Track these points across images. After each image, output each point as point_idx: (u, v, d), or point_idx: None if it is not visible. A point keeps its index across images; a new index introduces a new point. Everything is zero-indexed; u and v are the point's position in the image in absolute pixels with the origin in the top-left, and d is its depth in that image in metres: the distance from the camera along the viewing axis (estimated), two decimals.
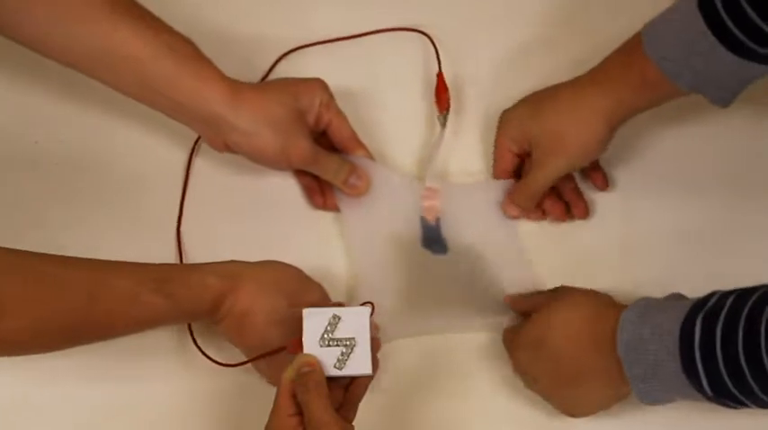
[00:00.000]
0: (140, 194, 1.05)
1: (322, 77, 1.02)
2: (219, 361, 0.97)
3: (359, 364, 0.88)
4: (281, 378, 0.86)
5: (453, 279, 1.03)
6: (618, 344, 0.88)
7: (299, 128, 0.99)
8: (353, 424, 0.87)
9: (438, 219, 1.05)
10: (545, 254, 1.05)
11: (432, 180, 1.05)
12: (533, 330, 0.96)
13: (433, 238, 1.04)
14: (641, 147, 1.08)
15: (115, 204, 1.04)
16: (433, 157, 1.05)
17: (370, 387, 0.90)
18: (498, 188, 1.06)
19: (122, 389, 0.99)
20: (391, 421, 0.99)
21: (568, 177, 1.05)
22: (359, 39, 1.11)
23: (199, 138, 1.06)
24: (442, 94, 1.08)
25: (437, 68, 1.09)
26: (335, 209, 1.05)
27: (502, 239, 1.05)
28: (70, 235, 1.02)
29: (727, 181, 1.08)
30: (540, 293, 1.01)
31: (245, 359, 0.94)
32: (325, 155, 1.01)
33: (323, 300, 0.96)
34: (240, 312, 0.92)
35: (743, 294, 0.83)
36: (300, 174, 1.05)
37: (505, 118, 1.05)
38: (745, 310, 0.81)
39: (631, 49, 0.97)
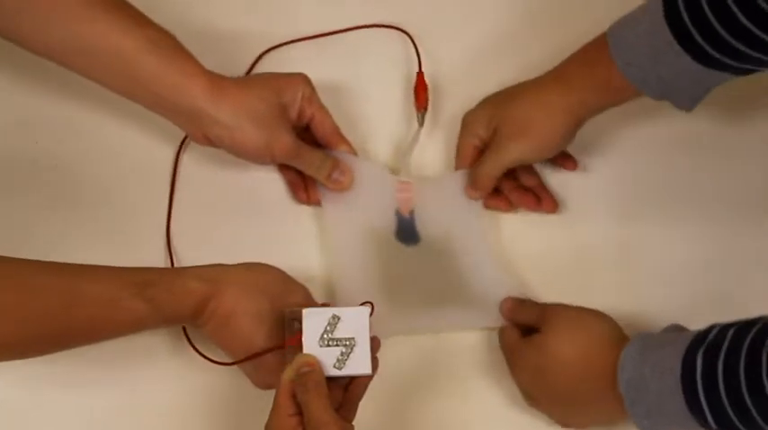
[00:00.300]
0: (131, 193, 1.05)
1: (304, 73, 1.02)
2: (216, 359, 0.96)
3: (358, 364, 0.88)
4: (281, 378, 0.86)
5: (426, 272, 1.04)
6: (619, 383, 0.89)
7: (282, 122, 0.99)
8: (353, 423, 0.87)
9: (412, 212, 1.05)
10: (539, 255, 1.06)
11: (406, 174, 1.06)
12: (533, 356, 0.96)
13: (406, 231, 1.05)
14: (630, 146, 1.10)
15: (106, 204, 1.04)
16: (408, 154, 1.06)
17: (369, 387, 0.90)
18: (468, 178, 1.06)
19: (120, 393, 0.98)
20: (391, 421, 0.99)
21: (530, 172, 1.06)
22: (340, 35, 1.11)
23: (186, 137, 1.05)
24: (420, 93, 1.08)
25: (417, 66, 1.09)
26: (319, 203, 1.05)
27: (471, 231, 1.05)
28: (63, 235, 1.02)
29: (721, 181, 1.09)
30: (535, 306, 1.00)
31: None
32: (307, 149, 1.01)
33: (306, 301, 0.96)
34: (224, 316, 0.92)
35: (743, 327, 0.83)
36: (284, 168, 1.05)
37: (468, 118, 1.05)
38: (746, 343, 0.82)
39: (596, 50, 0.97)
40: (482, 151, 1.04)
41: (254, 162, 1.01)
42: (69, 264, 0.88)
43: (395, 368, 0.98)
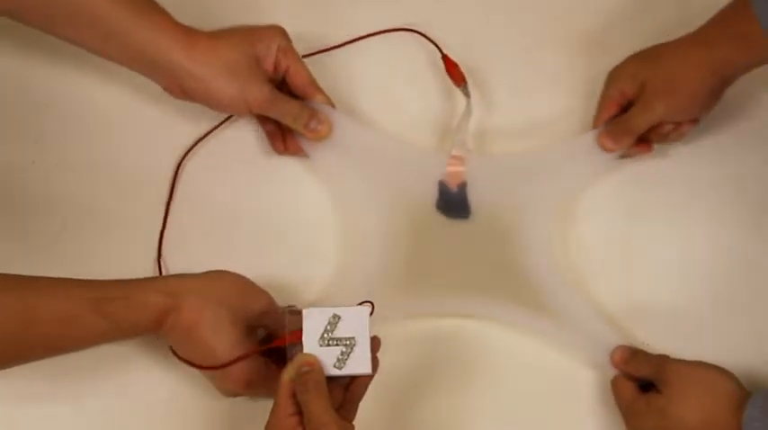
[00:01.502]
0: (130, 203, 1.05)
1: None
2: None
3: (359, 364, 0.88)
4: (281, 377, 0.86)
5: (471, 248, 1.04)
6: None
7: (256, 73, 0.99)
8: (354, 423, 0.87)
9: (464, 185, 1.05)
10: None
11: (461, 149, 1.05)
12: (655, 419, 0.94)
13: (452, 203, 1.05)
14: None
15: (104, 209, 1.04)
16: (464, 127, 1.05)
17: (370, 386, 0.90)
18: (528, 161, 1.06)
19: (117, 395, 0.99)
20: (391, 421, 0.99)
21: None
22: (353, 43, 1.11)
23: (191, 148, 1.06)
24: (453, 70, 1.08)
25: (439, 56, 1.09)
26: (297, 153, 1.05)
27: (532, 214, 1.05)
28: (60, 236, 1.02)
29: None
30: (650, 359, 0.98)
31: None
32: (284, 99, 1.01)
33: (269, 308, 0.95)
34: (185, 328, 0.91)
35: None
36: (263, 119, 1.05)
37: (615, 73, 1.06)
38: None
39: (738, 7, 0.98)
40: (623, 107, 1.05)
41: (230, 113, 1.02)
42: (25, 277, 0.87)
43: (395, 368, 0.98)
